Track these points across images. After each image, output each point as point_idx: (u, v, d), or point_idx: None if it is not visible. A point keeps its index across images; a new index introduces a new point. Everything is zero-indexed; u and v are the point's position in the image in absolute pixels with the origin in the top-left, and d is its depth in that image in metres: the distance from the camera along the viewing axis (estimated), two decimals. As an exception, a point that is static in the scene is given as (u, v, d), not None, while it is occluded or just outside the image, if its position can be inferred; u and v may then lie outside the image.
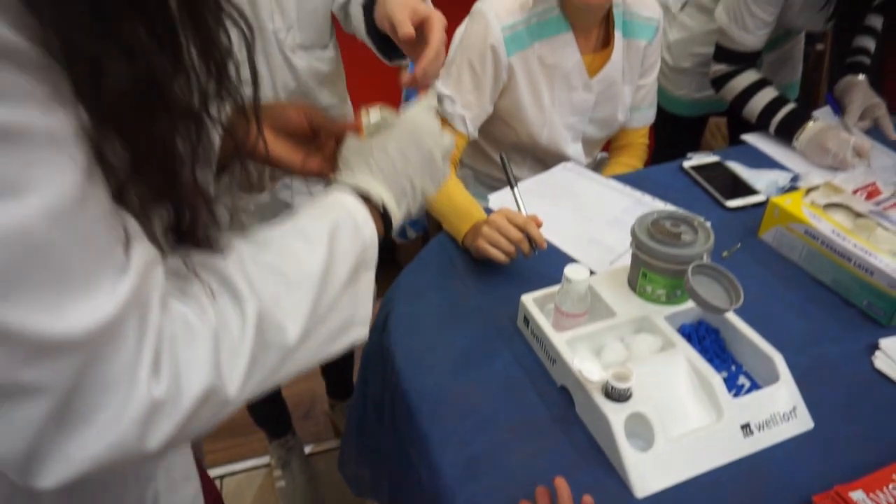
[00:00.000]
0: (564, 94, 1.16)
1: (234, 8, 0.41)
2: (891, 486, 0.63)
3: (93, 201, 0.34)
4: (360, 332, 0.53)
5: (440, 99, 1.09)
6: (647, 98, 1.26)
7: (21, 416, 0.33)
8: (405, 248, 1.94)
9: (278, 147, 0.60)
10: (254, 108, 0.48)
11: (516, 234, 0.89)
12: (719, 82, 1.36)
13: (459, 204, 1.00)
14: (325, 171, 0.61)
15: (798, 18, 1.29)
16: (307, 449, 1.55)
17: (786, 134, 1.26)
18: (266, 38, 0.93)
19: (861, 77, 1.33)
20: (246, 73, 0.43)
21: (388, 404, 0.82)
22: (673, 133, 1.62)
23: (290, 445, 1.48)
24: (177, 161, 0.39)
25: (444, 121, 1.08)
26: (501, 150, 1.23)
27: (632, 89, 1.21)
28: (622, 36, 1.15)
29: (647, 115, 1.29)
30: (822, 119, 1.24)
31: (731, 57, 1.32)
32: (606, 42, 1.16)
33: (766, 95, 1.29)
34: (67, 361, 0.33)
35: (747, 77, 1.32)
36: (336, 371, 1.55)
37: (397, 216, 0.56)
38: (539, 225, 0.90)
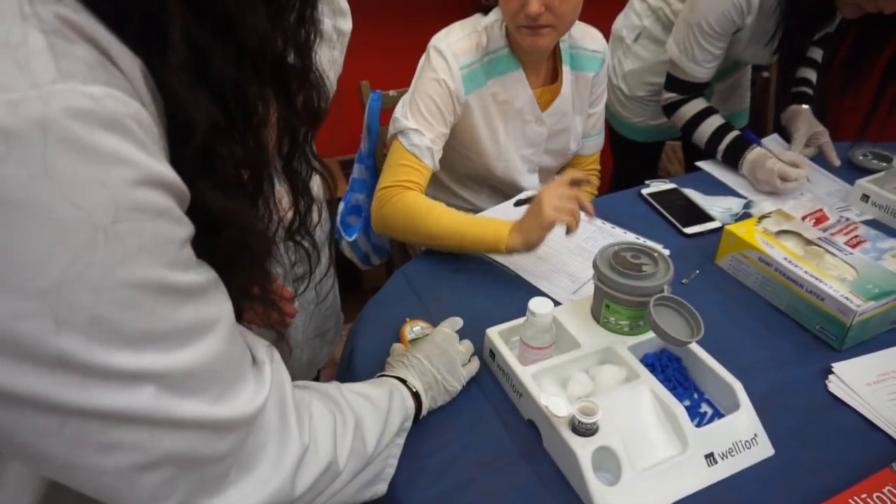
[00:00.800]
0: (518, 128, 1.18)
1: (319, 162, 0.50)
2: (848, 512, 0.64)
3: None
4: (381, 488, 0.65)
5: (406, 133, 1.09)
6: (596, 126, 1.30)
7: (199, 476, 0.42)
8: (369, 273, 1.93)
9: None
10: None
11: (576, 192, 0.94)
12: (669, 109, 1.41)
13: (482, 219, 1.01)
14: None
15: (745, 52, 1.35)
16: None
17: (731, 160, 1.31)
18: None
19: (805, 107, 1.39)
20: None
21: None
22: (631, 158, 1.66)
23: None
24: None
25: (412, 155, 1.08)
26: (456, 176, 1.24)
27: (582, 119, 1.25)
28: (570, 69, 1.18)
29: (597, 142, 1.33)
30: (770, 146, 1.30)
31: (681, 87, 1.37)
32: (555, 76, 1.19)
33: (713, 123, 1.34)
34: (236, 435, 0.43)
35: (695, 105, 1.37)
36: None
37: (426, 402, 0.74)
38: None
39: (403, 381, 0.72)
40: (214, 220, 0.39)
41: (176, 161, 0.37)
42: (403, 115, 1.11)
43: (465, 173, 1.24)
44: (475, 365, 0.81)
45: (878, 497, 0.66)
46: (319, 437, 0.53)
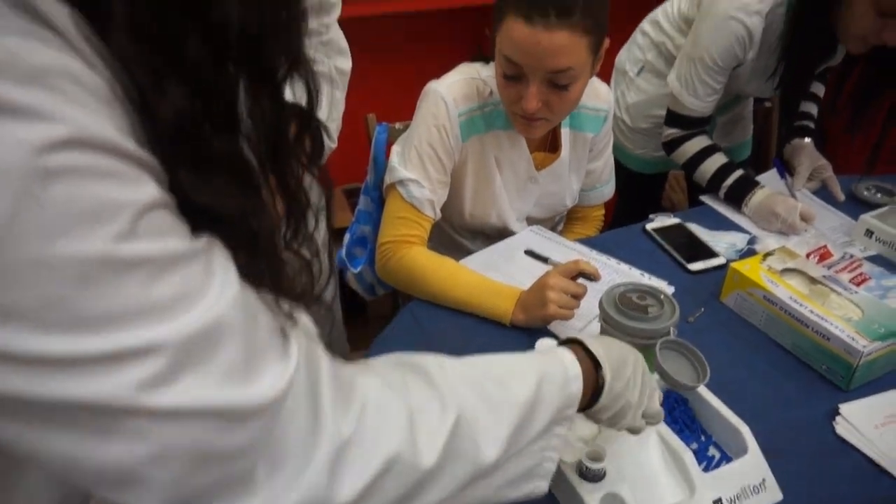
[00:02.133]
0: (512, 180, 1.17)
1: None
2: (858, 562, 0.64)
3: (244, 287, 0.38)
4: (541, 486, 0.54)
5: (405, 183, 1.08)
6: (602, 177, 1.28)
7: (218, 472, 0.36)
8: (375, 302, 1.93)
9: None
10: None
11: (578, 288, 0.93)
12: (671, 146, 1.42)
13: (489, 286, 1.00)
14: None
15: (747, 87, 1.37)
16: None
17: (735, 199, 1.31)
18: None
19: (808, 140, 1.40)
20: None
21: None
22: (634, 189, 1.67)
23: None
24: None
25: (412, 206, 1.08)
26: (453, 221, 1.25)
27: (579, 177, 1.24)
28: (569, 129, 1.17)
29: (604, 192, 1.32)
30: (767, 182, 1.30)
31: (683, 122, 1.38)
32: (554, 140, 1.18)
33: (716, 161, 1.35)
34: (257, 425, 0.37)
35: (698, 143, 1.38)
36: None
37: (607, 376, 0.59)
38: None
39: (581, 345, 0.59)
40: (206, 216, 0.36)
41: (154, 147, 0.34)
42: (401, 163, 1.09)
43: (461, 225, 1.24)
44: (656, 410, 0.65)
45: (888, 546, 0.66)
46: (375, 427, 0.43)
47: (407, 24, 1.94)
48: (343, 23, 1.12)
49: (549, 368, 0.55)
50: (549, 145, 1.19)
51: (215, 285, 0.35)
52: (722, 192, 1.33)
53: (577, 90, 0.99)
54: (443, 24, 1.96)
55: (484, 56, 1.15)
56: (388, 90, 1.96)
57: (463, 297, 0.99)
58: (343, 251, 1.43)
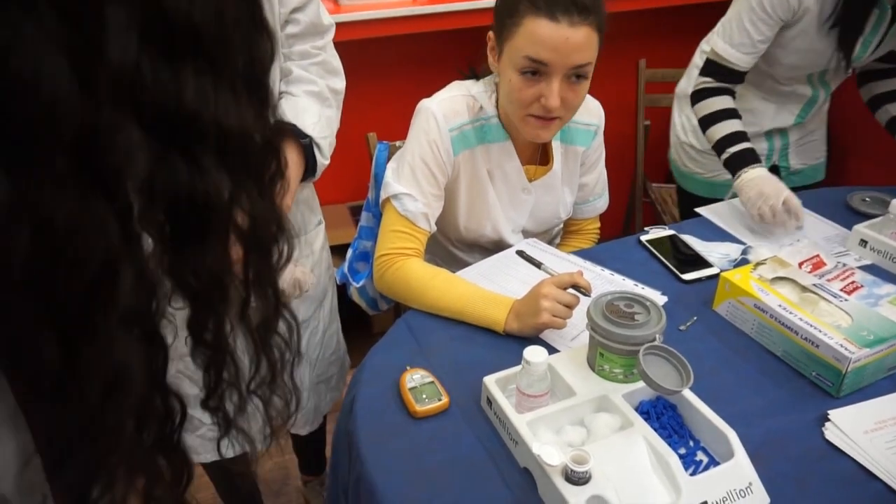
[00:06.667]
0: (504, 191, 1.20)
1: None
2: (842, 564, 0.65)
3: None
4: None
5: (399, 198, 1.11)
6: (595, 190, 1.31)
7: None
8: (377, 317, 1.95)
9: None
10: None
11: (571, 298, 0.95)
12: (698, 96, 1.40)
13: (483, 296, 1.02)
14: None
15: (805, 57, 1.33)
16: (278, 529, 1.51)
17: (732, 168, 1.31)
18: None
19: None
20: None
21: (353, 490, 0.82)
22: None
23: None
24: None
25: (406, 220, 1.11)
26: (448, 233, 1.27)
27: (572, 190, 1.26)
28: (560, 143, 1.20)
29: (597, 205, 1.34)
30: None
31: (713, 71, 1.37)
32: (545, 153, 1.21)
33: (731, 126, 1.33)
34: None
35: (722, 101, 1.36)
36: (308, 447, 1.53)
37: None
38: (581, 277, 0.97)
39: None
40: None
41: None
42: (396, 178, 1.13)
43: (457, 238, 1.26)
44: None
45: (872, 548, 0.66)
46: None
47: (406, 46, 1.99)
48: (344, 46, 1.16)
49: None
50: (539, 158, 1.22)
51: None
52: (723, 158, 1.33)
53: (587, 87, 1.05)
54: (440, 45, 2.00)
55: (475, 74, 1.19)
56: (388, 110, 2.00)
57: (457, 307, 1.01)
58: (346, 266, 1.46)
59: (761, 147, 1.53)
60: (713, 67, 1.37)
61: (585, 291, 0.96)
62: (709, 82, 1.38)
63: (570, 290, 0.96)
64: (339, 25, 1.12)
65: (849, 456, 0.80)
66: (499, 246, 1.24)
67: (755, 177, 1.27)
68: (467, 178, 1.17)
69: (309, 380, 1.22)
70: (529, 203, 1.23)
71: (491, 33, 1.07)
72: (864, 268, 1.14)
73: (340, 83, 1.09)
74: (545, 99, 1.00)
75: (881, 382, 0.90)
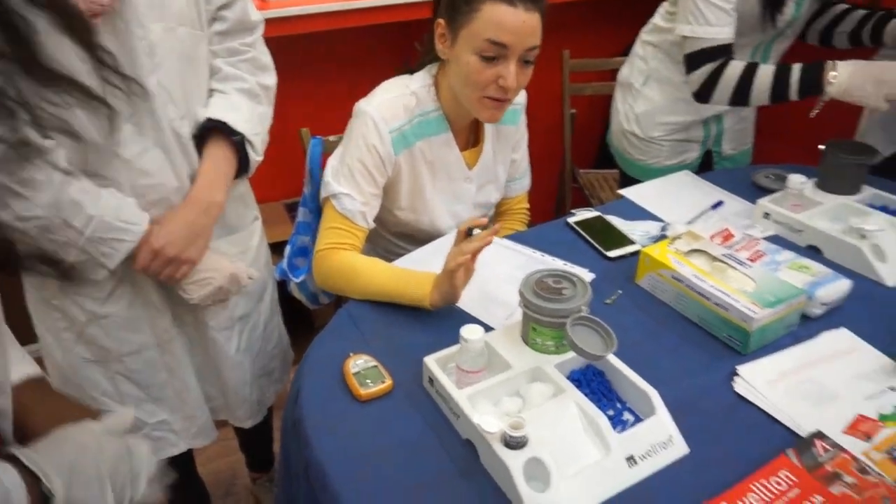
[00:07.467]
0: (447, 186, 1.25)
1: None
2: (749, 496, 0.73)
3: None
4: None
5: (338, 197, 1.14)
6: (520, 168, 1.38)
7: None
8: (319, 312, 1.96)
9: None
10: None
11: (470, 243, 0.96)
12: (707, 88, 1.34)
13: (407, 275, 1.05)
14: None
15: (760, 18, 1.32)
16: (229, 529, 1.51)
17: (813, 85, 1.25)
18: (162, 129, 0.96)
19: None
20: None
21: (303, 476, 0.85)
22: None
23: (212, 528, 1.45)
24: None
25: (345, 218, 1.15)
26: (389, 228, 1.31)
27: (505, 168, 1.33)
28: (491, 125, 1.26)
29: (524, 183, 1.41)
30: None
31: (707, 55, 1.32)
32: (477, 133, 1.27)
33: (767, 71, 1.29)
34: None
35: (736, 67, 1.31)
36: (255, 444, 1.53)
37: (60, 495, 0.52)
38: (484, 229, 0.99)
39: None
40: None
41: None
42: (335, 178, 1.16)
43: (396, 231, 1.31)
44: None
45: (774, 481, 0.75)
46: None
47: (335, 41, 2.00)
48: (274, 42, 1.17)
49: None
50: (472, 142, 1.28)
51: None
52: (794, 89, 1.27)
53: (532, 71, 1.11)
54: (371, 40, 2.03)
55: (409, 68, 1.23)
56: (320, 105, 2.01)
57: (386, 290, 1.05)
58: (284, 262, 1.47)
59: (698, 133, 1.61)
60: (704, 55, 1.33)
61: (481, 226, 0.99)
62: (707, 69, 1.34)
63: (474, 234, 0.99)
64: (267, 22, 1.13)
65: (755, 405, 0.88)
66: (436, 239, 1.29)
67: (852, 70, 1.21)
68: (408, 176, 1.21)
69: (251, 373, 1.23)
70: (472, 191, 1.28)
71: (441, 20, 1.11)
72: (768, 238, 1.25)
73: (271, 79, 1.10)
74: (503, 80, 1.07)
75: (782, 339, 1.00)
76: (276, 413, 1.35)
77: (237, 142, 1.02)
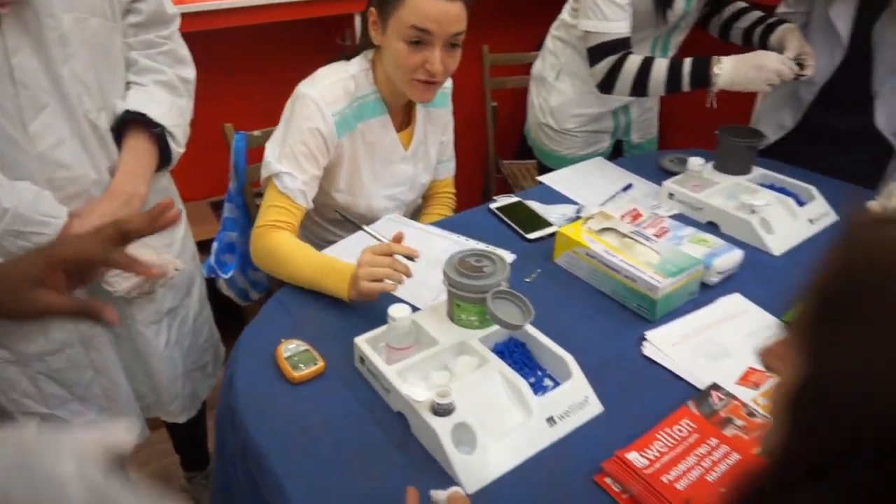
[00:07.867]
0: (385, 169, 1.30)
1: None
2: (655, 444, 0.80)
3: None
4: None
5: (279, 176, 1.17)
6: (446, 152, 1.44)
7: None
8: (250, 309, 1.95)
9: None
10: None
11: (386, 261, 1.00)
12: (609, 80, 1.42)
13: (332, 266, 1.06)
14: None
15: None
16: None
17: (701, 78, 1.36)
18: (78, 120, 0.95)
19: (794, 25, 1.47)
20: None
21: (241, 460, 0.86)
22: None
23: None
24: None
25: (285, 196, 1.17)
26: (324, 214, 1.34)
27: (436, 149, 1.39)
28: (423, 107, 1.33)
29: (449, 167, 1.47)
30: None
31: (607, 49, 1.40)
32: (409, 115, 1.33)
33: (661, 64, 1.39)
34: None
35: (634, 61, 1.40)
36: (189, 442, 1.51)
37: None
38: (400, 240, 1.04)
39: None
40: None
41: None
42: (276, 158, 1.18)
43: (330, 218, 1.34)
44: None
45: (677, 429, 0.83)
46: None
47: (256, 37, 1.99)
48: (193, 36, 1.16)
49: None
50: (405, 123, 1.33)
51: None
52: (685, 81, 1.38)
53: (460, 54, 1.17)
54: (292, 34, 2.02)
55: (346, 56, 1.26)
56: (242, 100, 1.99)
57: (312, 279, 1.08)
58: (212, 258, 1.46)
59: (608, 124, 1.70)
60: (604, 49, 1.41)
61: (410, 257, 1.03)
62: (607, 63, 1.41)
63: (398, 257, 1.03)
64: (186, 17, 1.13)
65: (661, 365, 0.97)
66: (371, 223, 1.32)
67: (738, 60, 1.32)
68: (349, 159, 1.25)
69: (183, 367, 1.22)
70: (409, 172, 1.33)
71: (373, 9, 1.16)
72: (673, 216, 1.35)
73: (190, 72, 1.10)
74: (429, 64, 1.13)
75: (685, 305, 1.10)
76: (210, 413, 1.34)
77: (157, 134, 1.02)
